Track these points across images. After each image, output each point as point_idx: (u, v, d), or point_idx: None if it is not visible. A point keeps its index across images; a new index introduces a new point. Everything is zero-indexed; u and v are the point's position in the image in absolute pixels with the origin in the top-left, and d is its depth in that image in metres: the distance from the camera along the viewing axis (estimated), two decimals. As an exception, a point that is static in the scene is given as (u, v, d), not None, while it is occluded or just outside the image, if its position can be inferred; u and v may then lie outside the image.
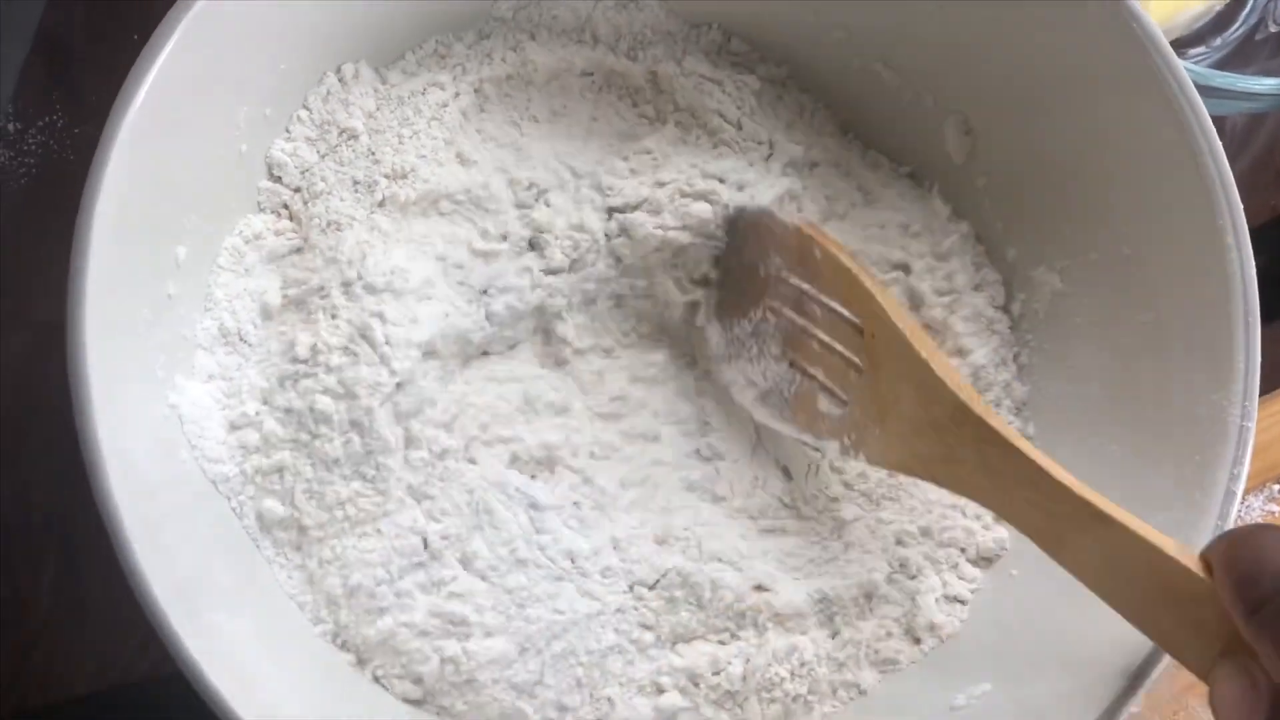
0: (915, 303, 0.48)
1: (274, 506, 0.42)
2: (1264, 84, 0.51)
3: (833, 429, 0.45)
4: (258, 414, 0.43)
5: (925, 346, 0.41)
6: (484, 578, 0.43)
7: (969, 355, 0.47)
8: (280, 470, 0.42)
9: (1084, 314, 0.46)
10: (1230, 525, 0.39)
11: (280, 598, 0.42)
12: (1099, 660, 0.38)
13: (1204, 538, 0.38)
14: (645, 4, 0.50)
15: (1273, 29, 0.58)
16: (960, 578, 0.46)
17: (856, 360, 0.43)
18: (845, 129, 0.52)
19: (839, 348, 0.44)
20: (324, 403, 0.42)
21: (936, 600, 0.45)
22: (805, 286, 0.45)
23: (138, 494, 0.36)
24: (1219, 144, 0.40)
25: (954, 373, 0.41)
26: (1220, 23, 0.58)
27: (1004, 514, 0.39)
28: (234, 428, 0.43)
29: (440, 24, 0.48)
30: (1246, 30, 0.58)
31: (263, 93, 0.44)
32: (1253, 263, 0.39)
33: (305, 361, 0.43)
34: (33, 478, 0.52)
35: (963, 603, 0.46)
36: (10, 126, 0.56)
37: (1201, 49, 0.58)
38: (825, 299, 0.45)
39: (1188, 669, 0.35)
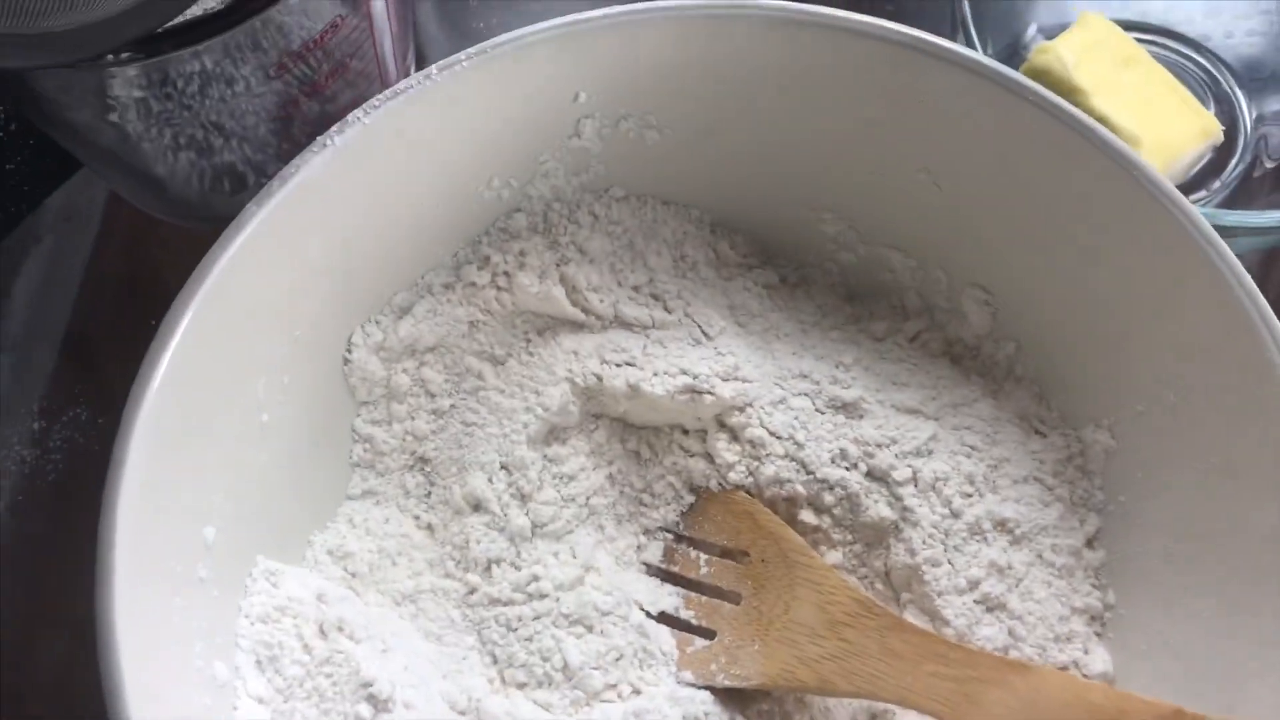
0: (966, 485, 0.46)
1: None
2: (1273, 217, 0.51)
3: (697, 661, 0.45)
4: None
5: (819, 560, 0.45)
6: None
7: (1031, 528, 0.45)
8: None
9: (1143, 468, 0.44)
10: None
11: None
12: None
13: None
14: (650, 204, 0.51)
15: (1269, 165, 0.58)
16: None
17: (733, 590, 0.46)
18: (860, 317, 0.51)
19: (712, 584, 0.47)
20: None
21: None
22: (689, 535, 0.48)
23: None
24: (1245, 273, 0.40)
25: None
26: (1216, 166, 0.59)
27: (901, 696, 0.40)
28: None
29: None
30: (1243, 170, 0.59)
31: (279, 361, 0.44)
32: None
33: (386, 700, 0.40)
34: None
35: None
36: (35, 425, 0.56)
37: (1202, 193, 0.59)
38: (709, 539, 0.48)
39: None
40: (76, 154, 0.56)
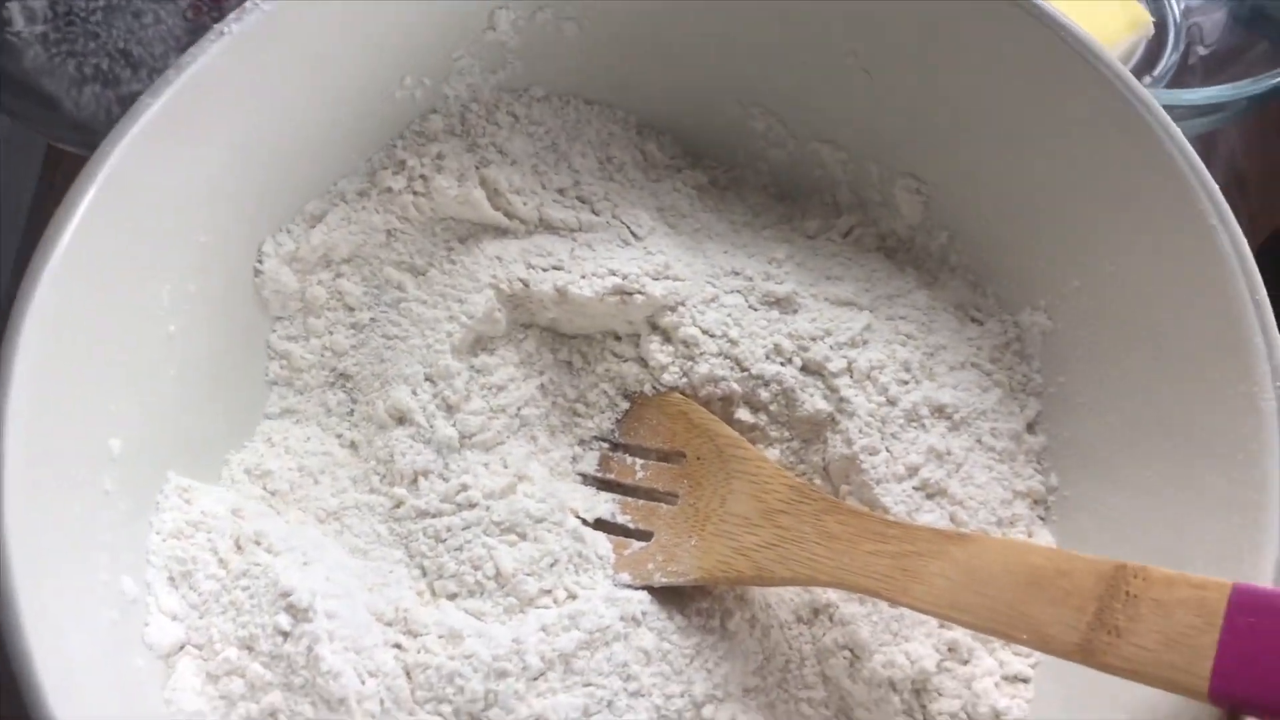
0: (902, 373, 0.45)
1: None
2: (1209, 93, 0.50)
3: (634, 562, 0.44)
4: (239, 659, 0.38)
5: (753, 450, 0.44)
6: None
7: (969, 413, 0.44)
8: (274, 714, 0.37)
9: (1081, 346, 0.43)
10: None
11: None
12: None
13: (1270, 534, 0.34)
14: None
15: (1202, 52, 0.58)
16: (1016, 653, 0.41)
17: (670, 491, 0.45)
18: (793, 216, 0.50)
19: (648, 487, 0.46)
20: (330, 658, 0.37)
21: (996, 683, 0.41)
22: (624, 442, 0.47)
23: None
24: (1180, 135, 0.39)
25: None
26: (1150, 59, 0.58)
27: (838, 578, 0.39)
28: (212, 678, 0.38)
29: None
30: (1178, 59, 0.58)
31: (184, 268, 0.42)
32: (1244, 239, 0.37)
33: (306, 610, 0.38)
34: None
35: (1025, 681, 0.41)
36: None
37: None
38: (645, 444, 0.47)
39: (1061, 653, 0.33)
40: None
